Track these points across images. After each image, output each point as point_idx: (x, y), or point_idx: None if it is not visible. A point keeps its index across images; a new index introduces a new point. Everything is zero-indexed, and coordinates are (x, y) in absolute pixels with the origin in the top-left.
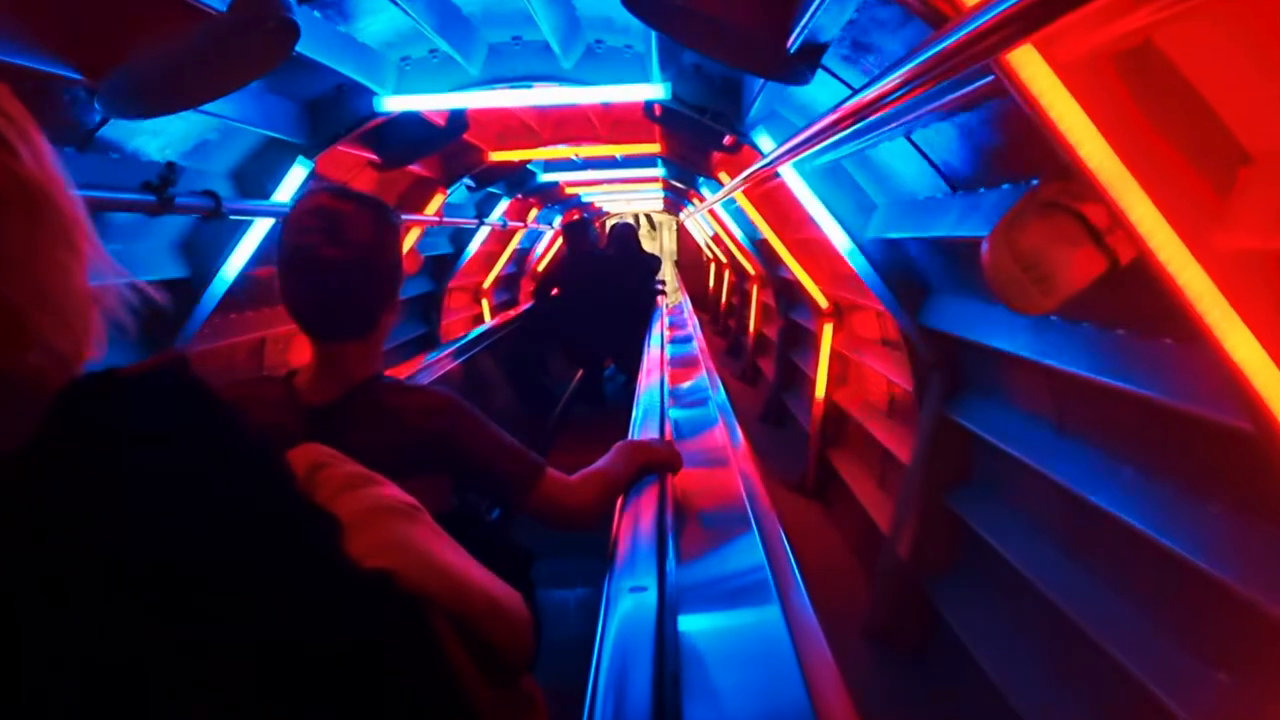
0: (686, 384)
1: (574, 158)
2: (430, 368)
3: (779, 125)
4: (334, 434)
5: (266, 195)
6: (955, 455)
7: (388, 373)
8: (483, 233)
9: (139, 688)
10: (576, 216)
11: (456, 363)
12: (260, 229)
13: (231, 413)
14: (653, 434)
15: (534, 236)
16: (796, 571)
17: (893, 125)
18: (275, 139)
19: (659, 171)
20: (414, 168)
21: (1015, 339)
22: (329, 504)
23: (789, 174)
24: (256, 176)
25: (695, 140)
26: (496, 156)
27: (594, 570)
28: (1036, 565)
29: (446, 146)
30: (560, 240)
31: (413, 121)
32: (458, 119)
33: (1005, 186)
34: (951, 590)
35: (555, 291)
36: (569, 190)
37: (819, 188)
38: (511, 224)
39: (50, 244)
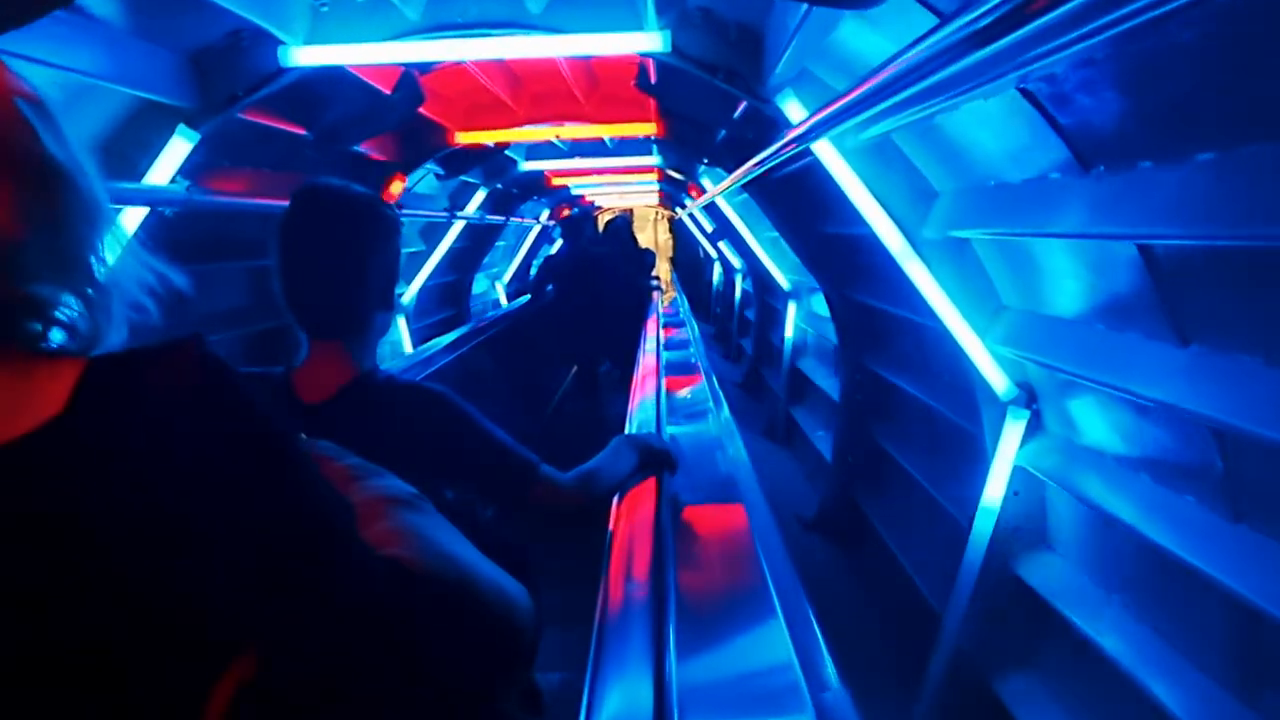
0: (685, 394)
1: (555, 140)
2: (424, 363)
3: (812, 88)
4: (328, 430)
5: (139, 174)
6: (1036, 520)
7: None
8: (458, 227)
9: (153, 658)
10: (567, 211)
11: (451, 357)
12: (130, 220)
13: (251, 394)
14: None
15: (520, 233)
16: (830, 665)
17: (1008, 69)
18: (150, 101)
19: (654, 160)
20: (364, 149)
21: (1141, 373)
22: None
23: (826, 152)
24: (124, 150)
25: (699, 115)
26: (464, 137)
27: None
28: (1161, 674)
29: (400, 123)
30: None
31: (350, 88)
32: (409, 86)
33: (1202, 158)
34: (1033, 692)
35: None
36: (556, 182)
37: (863, 170)
38: (490, 218)
39: (72, 225)
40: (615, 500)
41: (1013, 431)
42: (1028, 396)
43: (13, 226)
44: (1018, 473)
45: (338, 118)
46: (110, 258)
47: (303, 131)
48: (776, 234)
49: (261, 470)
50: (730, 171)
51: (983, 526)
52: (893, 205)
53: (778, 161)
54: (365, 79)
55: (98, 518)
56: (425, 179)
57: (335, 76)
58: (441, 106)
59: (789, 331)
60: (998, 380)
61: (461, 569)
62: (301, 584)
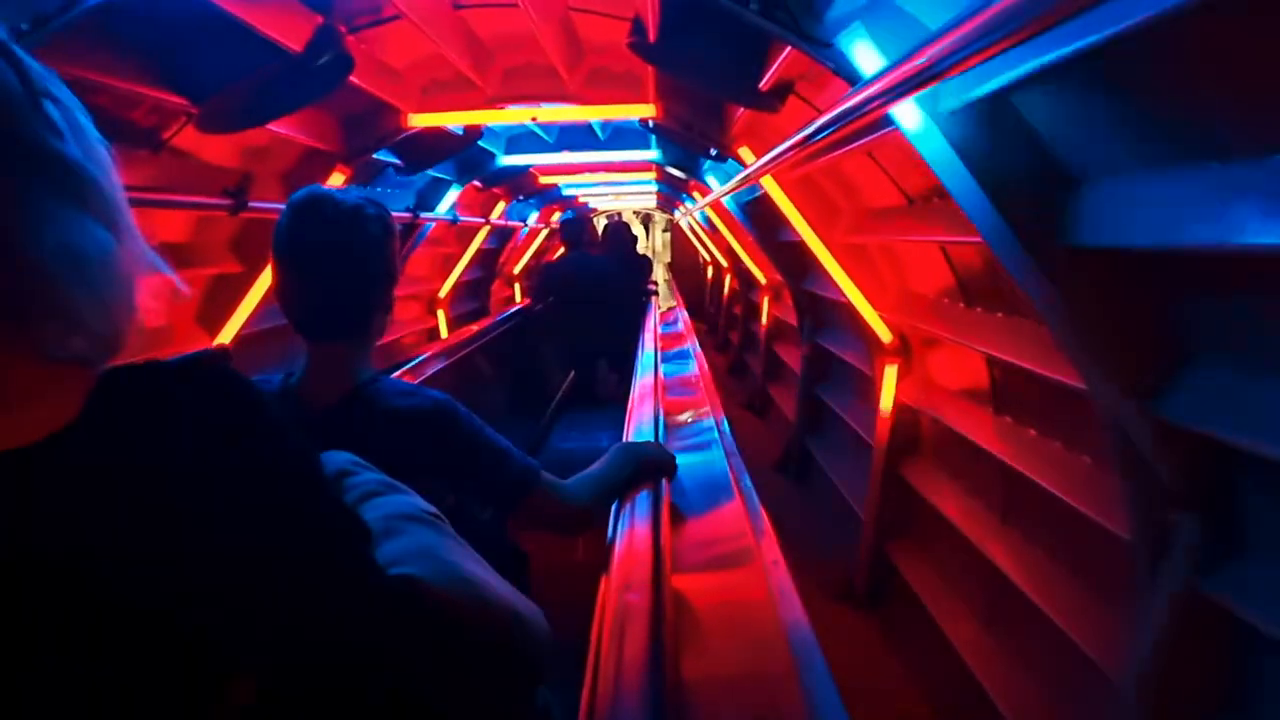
0: (687, 418)
1: (532, 123)
2: (423, 366)
3: (892, 23)
4: (331, 437)
5: None
6: (1212, 662)
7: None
8: (430, 229)
9: (159, 678)
10: (558, 211)
11: (449, 361)
12: None
13: (271, 411)
14: (645, 508)
15: (506, 236)
16: None
17: None
18: None
19: (652, 155)
20: (288, 131)
21: None
22: (355, 510)
23: (913, 119)
24: None
25: (714, 84)
26: (421, 120)
27: None
28: None
29: (325, 94)
30: (538, 239)
31: (244, 44)
32: (328, 44)
33: None
34: None
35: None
36: (544, 180)
37: (966, 146)
38: (466, 219)
39: (95, 228)
40: (615, 508)
41: (1200, 550)
42: (1219, 498)
43: (33, 229)
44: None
45: (232, 84)
46: (130, 262)
47: (183, 101)
48: (788, 239)
49: (275, 491)
50: (744, 165)
51: (1147, 673)
52: (1007, 200)
53: (834, 136)
54: (264, 32)
55: (99, 531)
56: (383, 174)
57: (218, 25)
58: (391, 82)
59: (805, 350)
60: (1174, 472)
61: (475, 590)
62: (310, 605)
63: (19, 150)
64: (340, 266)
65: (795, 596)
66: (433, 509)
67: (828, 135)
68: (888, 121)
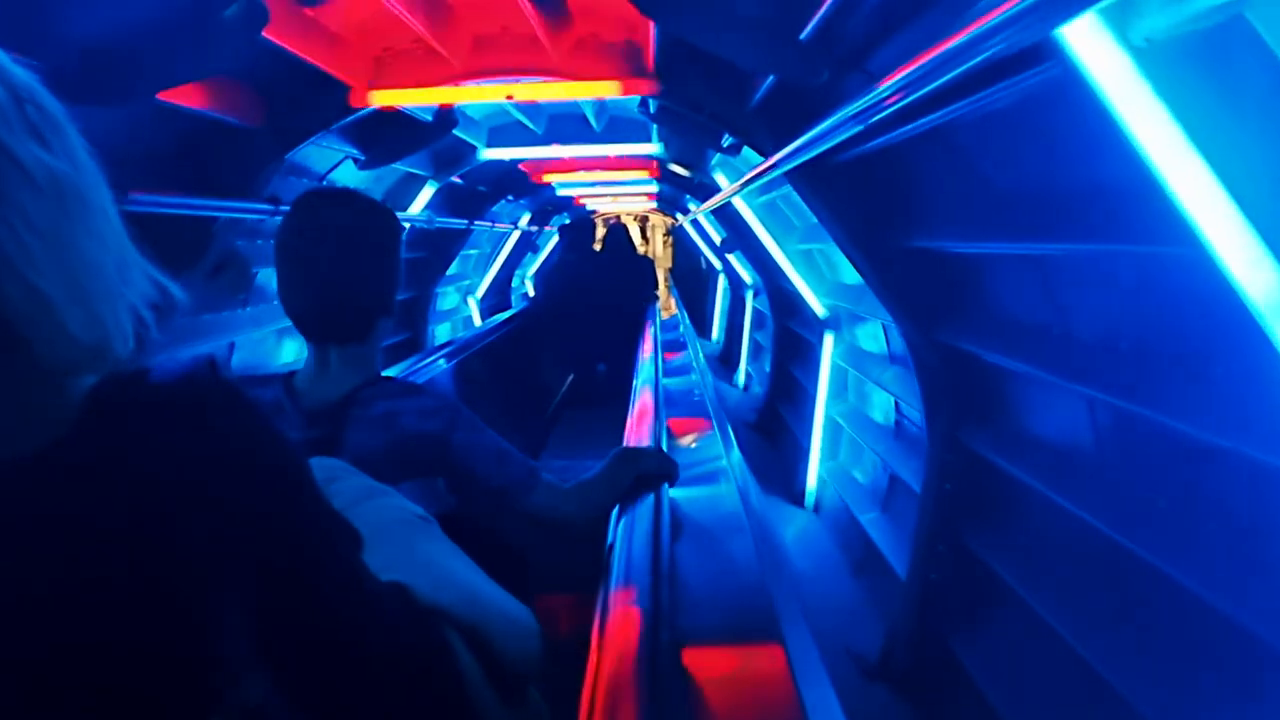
0: (690, 441)
1: (506, 101)
2: (424, 368)
3: None
4: (332, 437)
5: None
6: None
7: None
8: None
9: (156, 689)
10: (553, 215)
11: (451, 363)
12: None
13: (263, 420)
14: (645, 527)
15: (496, 240)
16: None
17: None
18: None
19: (653, 148)
20: (199, 106)
21: None
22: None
23: (1093, 52)
24: None
25: (735, 39)
26: (376, 98)
27: None
28: None
29: (235, 55)
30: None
31: None
32: None
33: None
34: None
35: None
36: (533, 179)
37: (1184, 92)
38: (442, 222)
39: (81, 237)
40: (615, 514)
41: None
42: None
43: (17, 241)
44: None
45: (99, 36)
46: (119, 271)
47: (35, 64)
48: (811, 246)
49: (267, 499)
50: (772, 151)
51: None
52: (1236, 177)
53: (950, 80)
54: None
55: (96, 538)
56: (344, 166)
57: None
58: (334, 50)
59: (824, 370)
60: None
61: (465, 594)
62: (304, 612)
63: (2, 160)
64: (342, 268)
65: (823, 674)
66: (420, 510)
67: (925, 91)
68: (1041, 56)
